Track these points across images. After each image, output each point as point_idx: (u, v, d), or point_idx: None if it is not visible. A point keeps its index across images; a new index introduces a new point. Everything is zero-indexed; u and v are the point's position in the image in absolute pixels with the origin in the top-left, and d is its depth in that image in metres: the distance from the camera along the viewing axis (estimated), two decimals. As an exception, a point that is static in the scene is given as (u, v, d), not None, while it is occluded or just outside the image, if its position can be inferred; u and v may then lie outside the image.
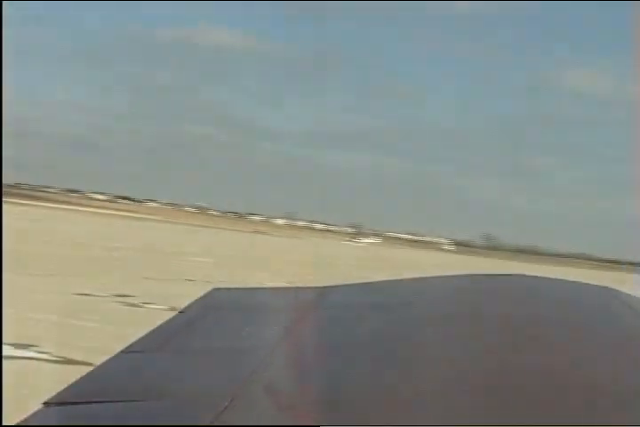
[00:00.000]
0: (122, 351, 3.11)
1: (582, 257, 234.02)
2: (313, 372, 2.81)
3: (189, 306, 3.82)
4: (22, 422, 2.48)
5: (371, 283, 4.26)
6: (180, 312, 3.70)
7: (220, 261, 50.03)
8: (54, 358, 16.82)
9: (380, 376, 2.74)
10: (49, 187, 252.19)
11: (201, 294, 4.07)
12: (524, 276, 4.19)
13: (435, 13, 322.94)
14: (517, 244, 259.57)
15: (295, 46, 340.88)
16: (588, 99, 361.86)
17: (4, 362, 14.88)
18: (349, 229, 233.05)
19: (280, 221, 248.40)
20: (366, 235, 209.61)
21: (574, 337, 3.13)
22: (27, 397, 11.16)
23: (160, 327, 3.43)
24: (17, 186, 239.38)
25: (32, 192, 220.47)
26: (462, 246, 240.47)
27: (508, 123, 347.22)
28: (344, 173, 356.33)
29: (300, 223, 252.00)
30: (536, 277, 4.14)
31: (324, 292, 3.99)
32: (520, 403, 2.47)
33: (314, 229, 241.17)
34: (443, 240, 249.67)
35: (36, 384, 12.60)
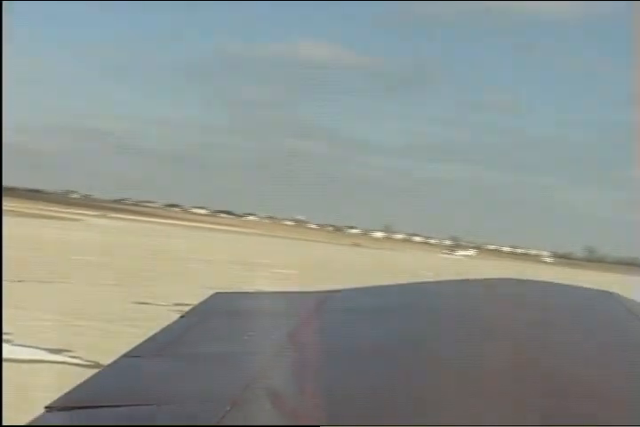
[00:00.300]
0: (123, 356, 3.12)
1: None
2: (314, 377, 2.80)
3: (191, 311, 3.84)
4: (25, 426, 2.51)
5: (370, 287, 4.29)
6: (181, 317, 3.72)
7: (300, 273, 50.78)
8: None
9: (381, 381, 2.75)
10: (151, 202, 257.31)
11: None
12: (525, 280, 4.20)
13: (535, 24, 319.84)
14: (619, 256, 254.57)
15: (394, 60, 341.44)
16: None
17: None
18: (448, 242, 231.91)
19: (378, 234, 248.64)
20: (464, 247, 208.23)
21: (571, 341, 3.15)
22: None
23: (162, 332, 3.44)
24: (120, 201, 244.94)
25: (135, 207, 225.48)
26: (563, 259, 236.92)
27: (610, 134, 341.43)
28: (444, 186, 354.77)
29: (399, 236, 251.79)
30: (534, 281, 4.17)
31: (325, 296, 4.00)
32: (520, 406, 2.50)
33: (412, 241, 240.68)
34: (543, 253, 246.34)
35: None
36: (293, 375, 2.89)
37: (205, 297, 4.14)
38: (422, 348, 3.10)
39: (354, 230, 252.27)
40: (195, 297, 3.93)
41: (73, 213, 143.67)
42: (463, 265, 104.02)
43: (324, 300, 3.91)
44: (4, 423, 8.11)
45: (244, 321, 3.65)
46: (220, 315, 3.81)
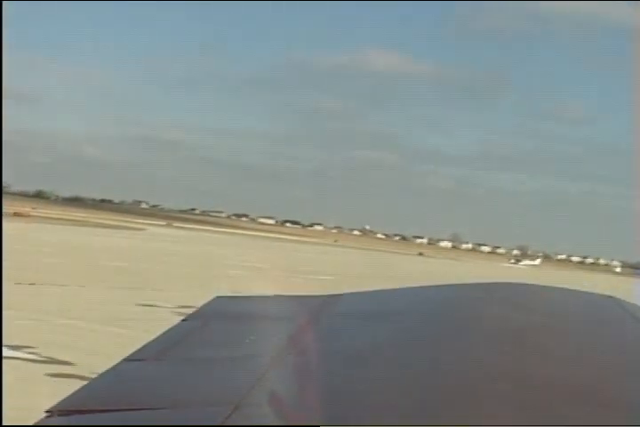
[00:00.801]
0: (125, 359, 3.11)
1: None
2: (316, 381, 2.78)
3: (192, 314, 3.82)
4: None
5: (371, 292, 4.27)
6: (183, 320, 3.71)
7: (335, 279, 51.00)
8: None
9: (382, 385, 2.74)
10: (219, 211, 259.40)
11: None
12: (527, 285, 4.20)
13: (607, 33, 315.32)
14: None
15: (466, 70, 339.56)
16: None
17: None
18: (516, 252, 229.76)
19: (446, 244, 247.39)
20: (531, 257, 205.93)
21: (572, 345, 3.16)
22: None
23: (163, 336, 3.43)
24: (188, 211, 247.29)
25: (202, 217, 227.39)
26: (634, 268, 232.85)
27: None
28: (514, 196, 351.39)
29: (466, 246, 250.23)
30: (533, 285, 4.16)
31: (327, 301, 3.97)
32: (520, 410, 2.49)
33: (480, 251, 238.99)
34: (613, 262, 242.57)
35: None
36: (295, 379, 2.90)
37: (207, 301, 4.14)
38: (422, 352, 3.11)
39: (421, 240, 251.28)
40: (203, 301, 4.03)
41: (140, 222, 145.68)
42: (523, 274, 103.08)
43: (325, 304, 3.90)
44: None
45: (246, 325, 3.65)
46: (221, 319, 3.80)
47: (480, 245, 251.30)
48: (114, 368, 3.02)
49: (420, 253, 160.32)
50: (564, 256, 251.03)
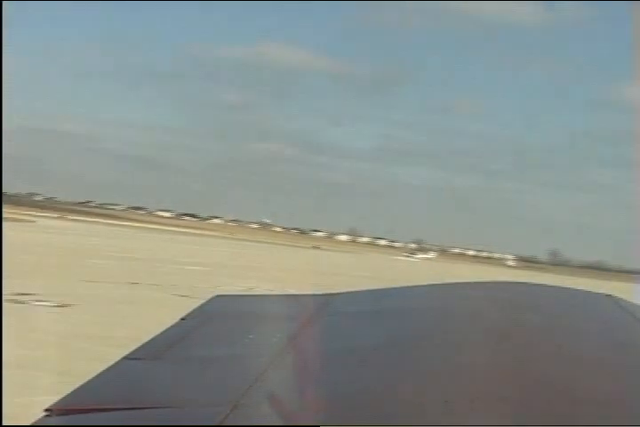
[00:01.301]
0: (123, 358, 3.10)
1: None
2: (315, 379, 2.81)
3: (191, 313, 3.81)
4: None
5: (370, 291, 4.29)
6: (182, 319, 3.70)
7: (209, 270, 50.96)
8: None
9: (380, 383, 2.76)
10: (116, 204, 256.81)
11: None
12: (524, 283, 4.24)
13: (500, 28, 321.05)
14: (584, 260, 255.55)
15: (365, 64, 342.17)
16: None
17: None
18: (412, 245, 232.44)
19: (343, 238, 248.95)
20: (426, 250, 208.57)
21: (570, 343, 3.17)
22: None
23: (162, 334, 3.43)
24: (85, 203, 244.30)
25: (99, 209, 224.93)
26: (527, 262, 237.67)
27: (576, 138, 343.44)
28: (412, 190, 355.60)
29: (364, 239, 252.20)
30: (531, 284, 4.19)
31: (325, 299, 3.99)
32: (518, 409, 2.51)
33: (377, 245, 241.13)
34: (508, 256, 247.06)
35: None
36: (294, 378, 2.92)
37: (205, 300, 4.15)
38: (421, 351, 3.12)
39: (319, 233, 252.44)
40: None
41: (32, 215, 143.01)
42: (411, 267, 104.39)
43: (324, 303, 3.91)
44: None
45: (245, 324, 3.67)
46: (220, 318, 3.82)
47: (377, 238, 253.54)
48: (113, 367, 3.02)
49: (316, 247, 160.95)
50: (459, 250, 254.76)
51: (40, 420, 2.54)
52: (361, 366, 2.94)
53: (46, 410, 2.58)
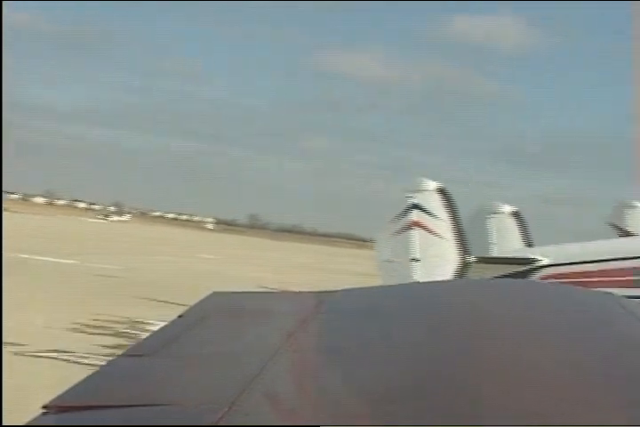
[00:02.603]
0: (120, 356, 3.11)
1: (346, 237, 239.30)
2: (313, 377, 2.82)
3: (189, 310, 3.78)
4: None
5: (369, 288, 4.28)
6: (179, 316, 3.66)
7: None
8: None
9: (379, 381, 2.73)
10: None
11: None
12: (517, 281, 4.27)
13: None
14: (282, 223, 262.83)
15: (80, 23, 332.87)
16: (366, 85, 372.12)
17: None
18: (112, 208, 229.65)
19: (40, 200, 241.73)
20: (124, 213, 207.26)
21: (569, 342, 3.14)
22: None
23: (159, 332, 3.41)
24: None
25: None
26: (226, 225, 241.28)
27: (292, 105, 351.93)
28: (114, 151, 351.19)
29: (62, 202, 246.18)
30: (533, 282, 4.26)
31: (324, 296, 3.96)
32: (517, 407, 2.48)
33: (76, 207, 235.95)
34: (207, 219, 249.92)
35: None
36: (291, 376, 2.92)
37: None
38: (421, 349, 3.09)
39: (13, 196, 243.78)
40: None
41: None
42: (94, 228, 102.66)
43: (322, 300, 3.87)
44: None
45: (242, 321, 3.66)
46: (217, 315, 3.79)
47: (76, 201, 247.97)
48: (109, 364, 3.05)
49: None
50: (160, 213, 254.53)
51: (37, 418, 2.53)
52: (359, 364, 2.94)
53: (43, 407, 2.57)
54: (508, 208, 21.77)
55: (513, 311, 3.62)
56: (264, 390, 2.71)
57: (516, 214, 21.50)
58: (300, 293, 4.38)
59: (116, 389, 2.83)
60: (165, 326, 3.55)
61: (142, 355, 3.13)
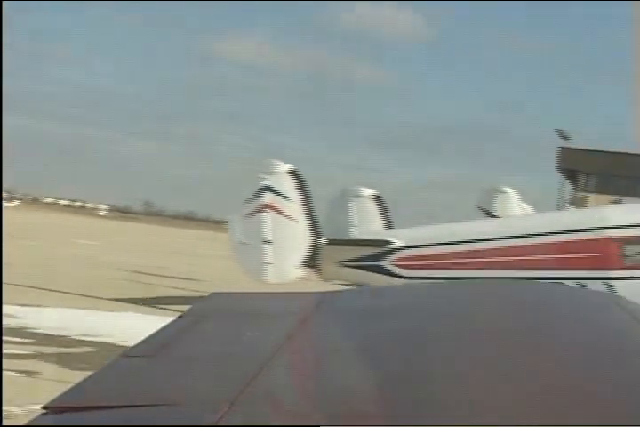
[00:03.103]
0: (121, 356, 3.09)
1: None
2: (313, 377, 2.83)
3: (189, 310, 3.77)
4: None
5: (371, 288, 4.37)
6: (179, 317, 3.64)
7: None
8: None
9: (380, 382, 2.72)
10: None
11: None
12: (512, 282, 4.30)
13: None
14: (176, 210, 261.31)
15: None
16: (251, 70, 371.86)
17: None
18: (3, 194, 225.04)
19: None
20: (14, 199, 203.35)
21: (570, 344, 3.12)
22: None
23: (159, 332, 3.39)
24: None
25: None
26: (120, 212, 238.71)
27: (170, 89, 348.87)
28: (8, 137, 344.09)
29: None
30: (533, 283, 4.21)
31: (325, 297, 3.95)
32: (517, 409, 2.47)
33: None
34: (101, 206, 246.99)
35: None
36: (291, 376, 2.92)
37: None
38: (421, 349, 3.10)
39: None
40: None
41: None
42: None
43: (323, 300, 3.87)
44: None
45: (242, 321, 3.64)
46: (217, 315, 3.77)
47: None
48: (110, 365, 3.04)
49: None
50: (52, 200, 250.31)
51: (37, 418, 2.52)
52: (360, 364, 2.92)
53: (43, 408, 2.56)
54: (368, 191, 21.91)
55: (509, 312, 3.62)
56: (264, 390, 2.72)
57: (376, 198, 21.69)
58: (301, 293, 4.36)
59: (115, 389, 2.83)
60: (165, 326, 3.54)
61: (142, 356, 3.13)
